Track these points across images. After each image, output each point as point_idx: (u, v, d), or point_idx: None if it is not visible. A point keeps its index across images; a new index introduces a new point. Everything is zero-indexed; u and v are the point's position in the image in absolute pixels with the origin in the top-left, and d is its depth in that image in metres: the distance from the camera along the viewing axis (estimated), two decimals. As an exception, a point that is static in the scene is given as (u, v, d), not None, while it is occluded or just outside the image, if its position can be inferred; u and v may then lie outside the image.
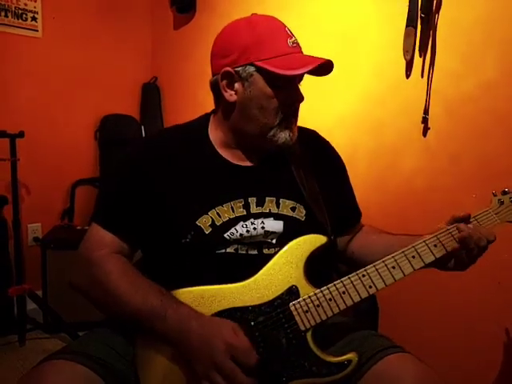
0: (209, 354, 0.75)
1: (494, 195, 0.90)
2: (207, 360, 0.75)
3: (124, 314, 0.83)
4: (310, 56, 0.90)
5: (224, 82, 0.91)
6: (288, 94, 0.91)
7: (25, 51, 2.26)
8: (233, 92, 0.91)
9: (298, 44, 0.91)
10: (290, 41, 0.89)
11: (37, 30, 2.28)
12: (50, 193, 2.39)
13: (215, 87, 0.94)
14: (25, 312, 1.98)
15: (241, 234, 0.89)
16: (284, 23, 0.93)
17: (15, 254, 1.98)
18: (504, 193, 0.90)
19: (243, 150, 0.97)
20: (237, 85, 0.90)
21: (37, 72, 2.30)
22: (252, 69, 0.88)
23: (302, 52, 0.92)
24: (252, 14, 0.95)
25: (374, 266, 0.84)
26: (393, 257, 0.84)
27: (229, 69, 0.89)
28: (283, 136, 0.91)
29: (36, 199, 2.32)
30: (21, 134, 1.95)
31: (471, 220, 0.87)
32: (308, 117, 1.38)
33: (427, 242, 0.85)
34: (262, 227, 0.91)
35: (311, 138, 1.08)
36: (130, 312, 0.82)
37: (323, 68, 0.90)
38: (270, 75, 0.87)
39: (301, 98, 0.94)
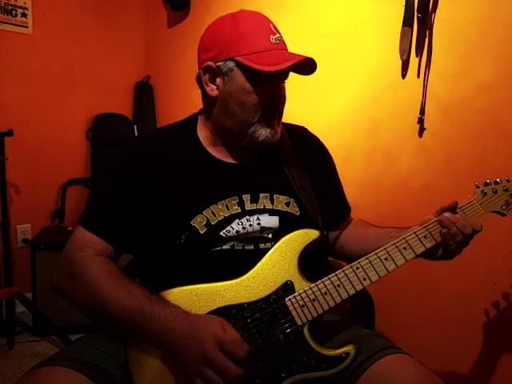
0: (198, 350, 0.74)
1: (477, 186, 0.92)
2: (197, 356, 0.74)
3: (111, 314, 0.81)
4: (291, 53, 0.89)
5: (206, 76, 0.91)
6: (268, 91, 0.89)
7: (14, 48, 2.21)
8: (214, 87, 0.91)
9: (281, 41, 0.90)
10: (272, 37, 0.88)
11: (27, 27, 2.24)
12: (40, 193, 2.34)
13: (200, 82, 0.94)
14: (14, 315, 1.95)
15: (237, 231, 0.89)
16: (270, 19, 0.92)
17: (4, 255, 1.95)
18: (486, 184, 0.92)
19: (230, 147, 0.96)
20: (218, 79, 0.90)
21: (27, 69, 2.26)
22: (232, 64, 0.88)
23: (286, 49, 0.91)
24: (240, 10, 0.94)
25: (367, 258, 0.85)
26: (385, 249, 0.85)
27: (210, 63, 0.90)
28: (264, 133, 0.91)
29: (25, 199, 2.27)
30: (9, 133, 1.92)
31: (458, 211, 0.89)
32: (304, 117, 1.37)
33: (417, 233, 0.87)
34: (258, 223, 0.90)
35: (300, 134, 1.08)
36: (119, 312, 0.80)
37: (307, 67, 0.88)
38: (250, 71, 0.86)
39: (282, 97, 0.92)
